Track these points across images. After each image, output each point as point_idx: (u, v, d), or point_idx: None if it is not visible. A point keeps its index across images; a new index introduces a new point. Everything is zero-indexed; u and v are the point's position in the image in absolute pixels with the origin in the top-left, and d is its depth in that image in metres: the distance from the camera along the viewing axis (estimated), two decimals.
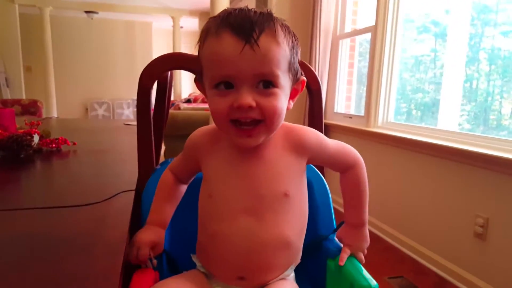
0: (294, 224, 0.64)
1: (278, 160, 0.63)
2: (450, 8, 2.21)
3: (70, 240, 0.55)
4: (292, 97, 0.64)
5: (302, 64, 0.71)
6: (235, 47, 0.54)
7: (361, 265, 0.63)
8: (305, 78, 0.65)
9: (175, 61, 0.80)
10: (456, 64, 2.11)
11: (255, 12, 0.56)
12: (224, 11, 0.58)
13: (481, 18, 2.11)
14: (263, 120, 0.57)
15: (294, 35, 0.60)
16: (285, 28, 0.59)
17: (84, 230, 0.59)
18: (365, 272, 0.60)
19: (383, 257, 2.11)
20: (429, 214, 1.97)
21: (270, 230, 0.62)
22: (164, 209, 0.71)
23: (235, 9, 0.57)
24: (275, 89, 0.57)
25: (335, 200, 0.85)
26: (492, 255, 1.61)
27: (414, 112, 2.65)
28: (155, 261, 0.64)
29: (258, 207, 0.61)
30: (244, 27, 0.54)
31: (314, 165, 0.80)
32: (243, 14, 0.56)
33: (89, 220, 0.63)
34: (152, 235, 0.67)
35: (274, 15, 0.58)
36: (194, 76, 0.82)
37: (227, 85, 0.56)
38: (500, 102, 2.07)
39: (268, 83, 0.56)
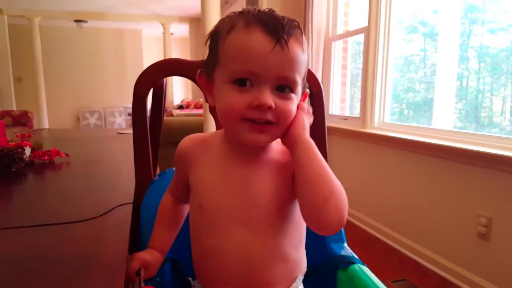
0: (292, 237, 0.61)
1: (273, 168, 0.60)
2: (439, 8, 2.22)
3: (63, 261, 0.51)
4: None
5: None
6: (266, 45, 0.52)
7: (375, 276, 0.60)
8: (308, 91, 0.63)
9: (170, 67, 0.77)
10: (449, 63, 2.12)
11: (283, 16, 0.55)
12: (250, 9, 0.55)
13: (469, 17, 2.13)
14: (276, 124, 0.55)
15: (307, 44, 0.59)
16: (305, 39, 0.57)
17: (80, 250, 0.55)
18: (380, 283, 0.57)
19: (384, 259, 2.09)
20: (430, 214, 1.96)
21: (266, 244, 0.58)
22: (163, 235, 0.69)
23: (263, 10, 0.55)
24: (292, 94, 0.56)
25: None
26: (497, 255, 1.60)
27: (406, 111, 2.66)
28: (143, 285, 0.61)
29: (253, 219, 0.58)
30: (276, 26, 0.52)
31: None
32: (273, 14, 0.54)
33: (84, 238, 0.59)
34: (148, 255, 0.65)
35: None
36: (190, 81, 0.79)
37: (243, 82, 0.54)
38: (491, 99, 2.08)
39: (285, 87, 0.55)
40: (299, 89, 0.57)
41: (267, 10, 0.55)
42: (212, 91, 0.59)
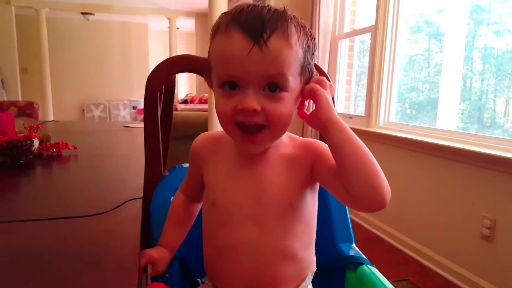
0: (301, 236, 0.61)
1: (284, 168, 0.60)
2: (444, 8, 2.21)
3: (76, 256, 0.51)
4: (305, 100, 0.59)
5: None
6: (244, 47, 0.51)
7: (384, 277, 0.60)
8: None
9: (183, 64, 0.77)
10: (454, 63, 2.11)
11: (269, 9, 0.52)
12: (237, 7, 0.54)
13: (474, 18, 2.12)
14: (267, 126, 0.54)
15: (311, 35, 0.56)
16: (301, 28, 0.54)
17: (91, 245, 0.55)
18: (390, 285, 0.58)
19: (386, 259, 2.09)
20: (434, 215, 1.95)
21: (276, 242, 0.59)
22: (173, 233, 0.69)
23: (249, 6, 0.53)
24: (283, 93, 0.53)
25: (350, 210, 0.82)
26: (500, 257, 1.60)
27: (408, 111, 2.65)
28: (150, 282, 0.62)
29: (263, 216, 0.58)
30: (254, 26, 0.50)
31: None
32: (255, 11, 0.52)
33: (96, 232, 0.59)
34: (156, 252, 0.65)
35: (290, 13, 0.54)
36: (194, 75, 0.79)
37: (232, 85, 0.53)
38: (494, 101, 2.08)
39: (276, 86, 0.53)
40: (294, 84, 0.54)
41: (252, 6, 0.53)
42: None
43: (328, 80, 0.58)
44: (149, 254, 0.64)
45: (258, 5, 0.53)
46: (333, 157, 0.54)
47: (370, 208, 0.53)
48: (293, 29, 0.53)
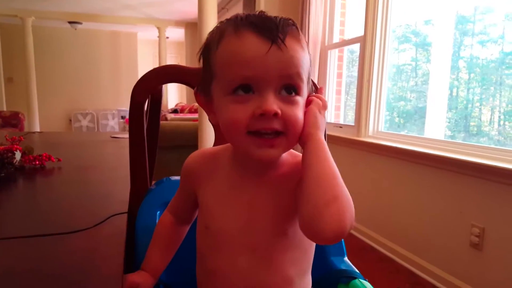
0: (298, 264, 0.57)
1: (283, 188, 0.55)
2: (431, 19, 2.25)
3: (57, 276, 0.49)
4: None
5: None
6: (261, 47, 0.48)
7: None
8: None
9: (170, 74, 0.75)
10: (441, 72, 2.14)
11: (275, 16, 0.51)
12: (240, 14, 0.52)
13: (459, 28, 2.16)
14: (284, 132, 0.50)
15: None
16: (304, 37, 0.54)
17: (74, 263, 0.53)
18: None
19: (377, 268, 2.08)
20: (424, 224, 1.96)
21: (273, 271, 0.55)
22: (157, 257, 0.65)
23: (252, 13, 0.51)
24: (298, 97, 0.51)
25: None
26: (489, 265, 1.60)
27: (397, 119, 2.68)
28: None
29: (260, 245, 0.55)
30: (268, 27, 0.48)
31: None
32: (264, 16, 0.51)
33: (79, 250, 0.57)
34: (139, 277, 0.62)
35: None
36: (188, 85, 0.76)
37: (246, 89, 0.49)
38: (480, 109, 2.11)
39: (292, 89, 0.50)
40: (305, 90, 0.52)
41: (257, 12, 0.51)
42: (213, 108, 0.55)
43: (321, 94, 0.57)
44: (131, 279, 0.61)
45: (263, 11, 0.52)
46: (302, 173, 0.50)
47: (313, 238, 0.49)
48: (301, 34, 0.52)
